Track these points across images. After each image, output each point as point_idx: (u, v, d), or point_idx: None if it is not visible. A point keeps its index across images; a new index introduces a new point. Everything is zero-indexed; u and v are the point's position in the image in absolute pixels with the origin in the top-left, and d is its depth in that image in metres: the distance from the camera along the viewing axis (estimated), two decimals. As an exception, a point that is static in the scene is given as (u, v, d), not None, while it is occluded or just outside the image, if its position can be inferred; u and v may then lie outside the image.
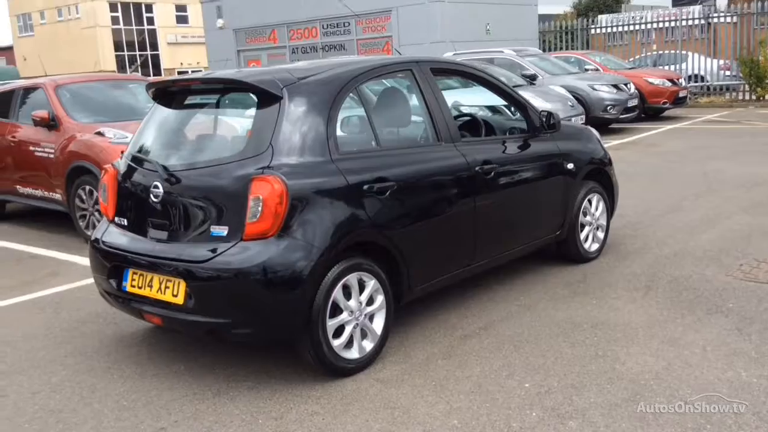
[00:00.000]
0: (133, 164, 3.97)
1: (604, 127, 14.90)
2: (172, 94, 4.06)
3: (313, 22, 21.02)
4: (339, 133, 3.80)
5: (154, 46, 53.70)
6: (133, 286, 3.78)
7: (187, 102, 4.01)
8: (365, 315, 3.74)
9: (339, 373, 3.66)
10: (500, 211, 4.63)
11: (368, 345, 3.80)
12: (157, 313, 3.68)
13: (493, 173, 4.48)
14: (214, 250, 3.47)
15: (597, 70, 17.03)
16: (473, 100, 6.56)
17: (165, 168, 3.75)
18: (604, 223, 5.65)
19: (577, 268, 5.37)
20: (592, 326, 4.21)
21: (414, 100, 4.40)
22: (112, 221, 4.09)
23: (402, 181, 3.90)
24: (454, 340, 4.12)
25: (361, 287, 3.74)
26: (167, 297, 3.60)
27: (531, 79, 14.20)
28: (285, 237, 3.42)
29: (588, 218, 5.46)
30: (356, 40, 20.36)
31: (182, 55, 53.93)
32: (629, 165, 10.30)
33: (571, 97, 13.15)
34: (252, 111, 3.70)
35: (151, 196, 3.76)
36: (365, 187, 3.70)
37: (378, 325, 3.84)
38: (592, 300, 4.67)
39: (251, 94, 3.71)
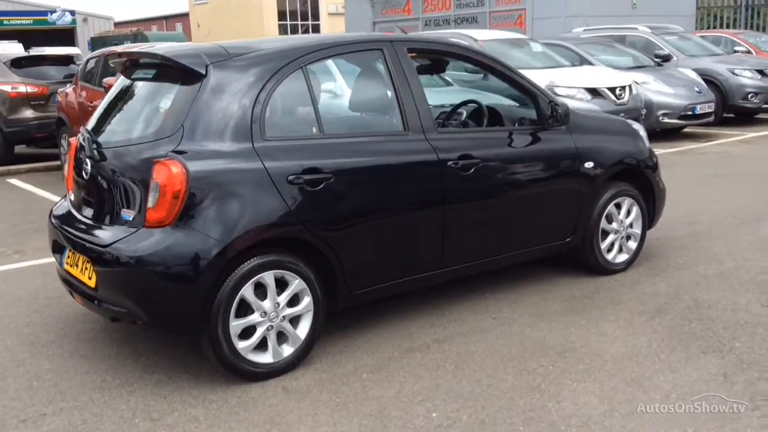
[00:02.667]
0: (82, 138, 3.91)
1: (747, 116, 13.41)
2: (126, 67, 3.94)
3: (448, -6, 20.50)
4: (272, 116, 3.50)
5: (316, 16, 55.02)
6: (68, 264, 3.73)
7: (133, 76, 3.88)
8: (284, 317, 3.46)
9: (245, 376, 3.42)
10: (482, 212, 4.15)
11: (287, 350, 3.52)
12: (80, 293, 3.61)
13: (473, 169, 3.99)
14: (117, 235, 3.33)
15: (749, 52, 15.30)
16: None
17: (96, 144, 3.65)
18: (638, 231, 4.94)
19: (595, 280, 4.74)
20: (560, 353, 3.67)
21: (382, 84, 4.00)
22: (65, 196, 4.07)
23: (342, 174, 3.55)
24: (396, 352, 3.75)
25: (284, 286, 3.46)
26: (85, 279, 3.52)
27: (664, 59, 12.98)
28: (183, 227, 3.21)
29: (614, 225, 4.80)
30: (489, 12, 19.58)
31: (342, 25, 54.91)
32: (744, 163, 9.16)
33: (701, 82, 11.86)
34: (176, 88, 3.49)
35: (83, 172, 3.68)
36: (291, 177, 3.40)
37: (303, 329, 3.54)
38: (582, 321, 4.08)
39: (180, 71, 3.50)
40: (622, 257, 4.91)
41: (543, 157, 4.40)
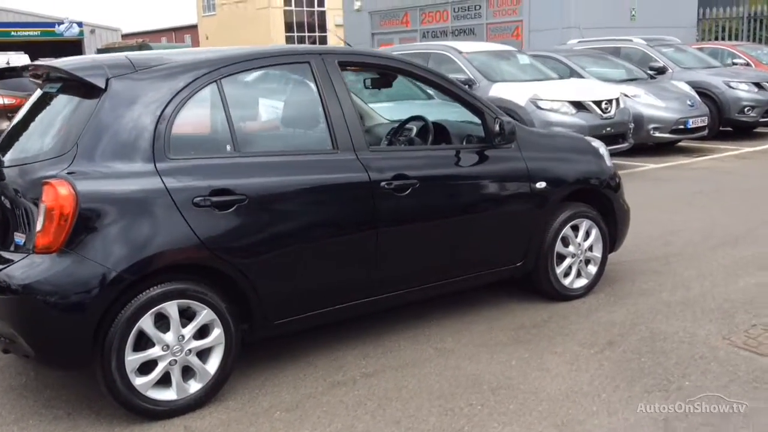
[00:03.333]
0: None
1: (743, 131, 13.08)
2: (41, 80, 3.70)
3: (445, 5, 20.29)
4: (179, 134, 3.25)
5: (323, 27, 55.07)
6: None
7: (44, 90, 3.64)
8: (190, 350, 3.20)
9: (144, 414, 3.16)
10: (421, 236, 3.88)
11: (194, 386, 3.26)
12: None
13: (409, 190, 3.73)
14: (6, 260, 3.09)
15: (748, 65, 14.97)
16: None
17: (0, 162, 3.42)
18: (599, 255, 4.66)
19: (549, 307, 4.46)
20: (494, 389, 3.39)
21: (309, 99, 3.75)
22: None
23: (258, 195, 3.30)
24: (319, 387, 3.48)
25: (191, 317, 3.21)
26: (-15, 305, 3.27)
27: (658, 72, 12.69)
28: (71, 253, 2.96)
29: (571, 249, 4.52)
30: (486, 24, 19.37)
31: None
32: (733, 180, 8.84)
33: (694, 95, 11.54)
34: (76, 103, 3.26)
35: None
36: (197, 199, 3.15)
37: (213, 363, 3.29)
38: (526, 353, 3.80)
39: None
40: (581, 282, 4.62)
41: (489, 177, 4.13)
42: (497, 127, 4.06)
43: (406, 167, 3.79)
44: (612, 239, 4.75)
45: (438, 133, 4.37)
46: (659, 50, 13.59)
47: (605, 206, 4.67)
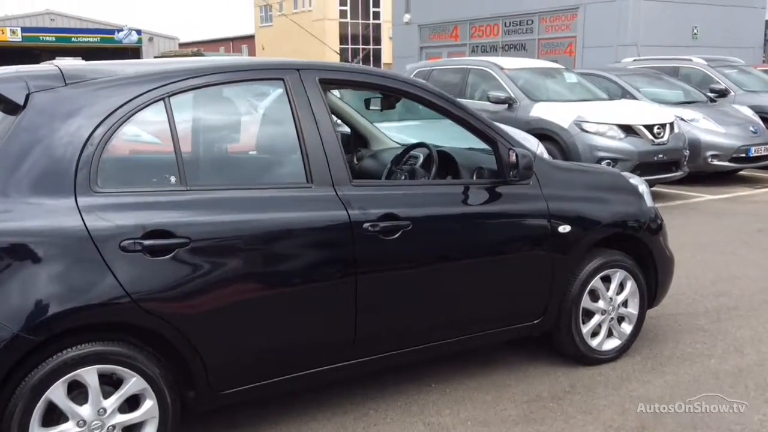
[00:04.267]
0: None
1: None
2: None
3: (496, 19, 19.59)
4: (110, 161, 2.69)
5: (377, 40, 54.87)
6: None
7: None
8: (113, 427, 2.63)
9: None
10: (412, 288, 3.25)
11: (119, 471, 2.68)
12: None
13: (399, 233, 3.11)
14: None
15: (820, 87, 13.87)
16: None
17: None
18: (634, 311, 3.94)
19: (573, 372, 3.76)
20: (487, 489, 2.73)
21: (280, 122, 3.17)
22: None
23: (203, 238, 2.72)
24: (275, 473, 2.87)
25: (117, 385, 2.64)
26: None
27: (719, 95, 11.78)
28: None
29: (600, 304, 3.82)
30: (538, 39, 18.61)
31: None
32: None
33: (758, 121, 10.59)
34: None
35: None
36: (126, 242, 2.58)
37: (145, 440, 2.71)
38: (534, 437, 3.13)
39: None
40: (612, 343, 3.91)
41: (500, 218, 3.48)
42: (512, 160, 3.41)
43: (396, 205, 3.17)
44: (651, 293, 4.02)
45: (444, 163, 3.74)
46: (721, 71, 12.66)
47: (644, 254, 3.96)
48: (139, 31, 46.47)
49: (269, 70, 3.11)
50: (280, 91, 3.07)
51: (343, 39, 54.46)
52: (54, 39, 41.85)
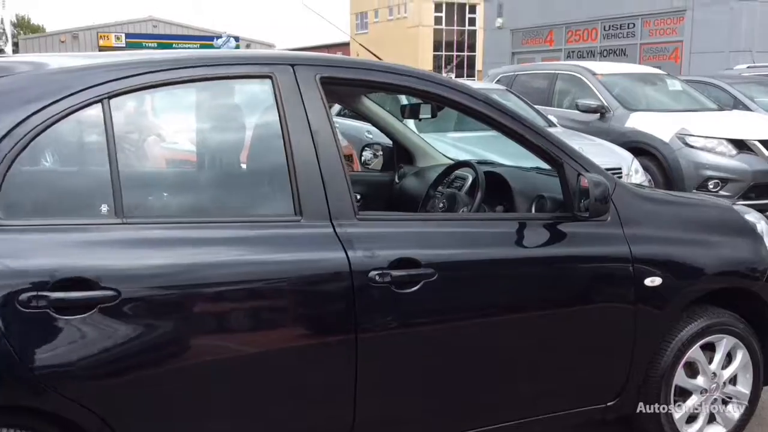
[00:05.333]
0: None
1: None
2: None
3: (594, 23, 18.34)
4: (19, 185, 2.00)
5: (472, 47, 53.72)
6: None
7: None
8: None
9: None
10: (435, 360, 2.43)
11: None
12: None
13: (420, 284, 2.30)
14: None
15: None
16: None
17: None
18: (746, 390, 2.96)
19: (660, 470, 2.83)
20: None
21: (263, 136, 2.41)
22: None
23: (134, 290, 1.99)
24: None
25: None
26: None
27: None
28: None
29: (700, 381, 2.87)
30: (640, 44, 17.24)
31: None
32: None
33: None
34: None
35: None
36: (25, 296, 1.88)
37: None
38: None
39: None
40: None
41: (563, 266, 2.59)
42: (582, 189, 2.53)
43: (417, 246, 2.35)
44: (770, 366, 3.04)
45: (494, 189, 2.90)
46: None
47: (760, 314, 2.98)
48: (237, 38, 47.21)
49: (251, 65, 2.34)
50: (267, 92, 2.31)
51: (437, 46, 53.74)
52: (156, 45, 43.09)
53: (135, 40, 42.84)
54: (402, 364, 2.36)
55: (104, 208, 2.06)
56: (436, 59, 53.35)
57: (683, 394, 2.88)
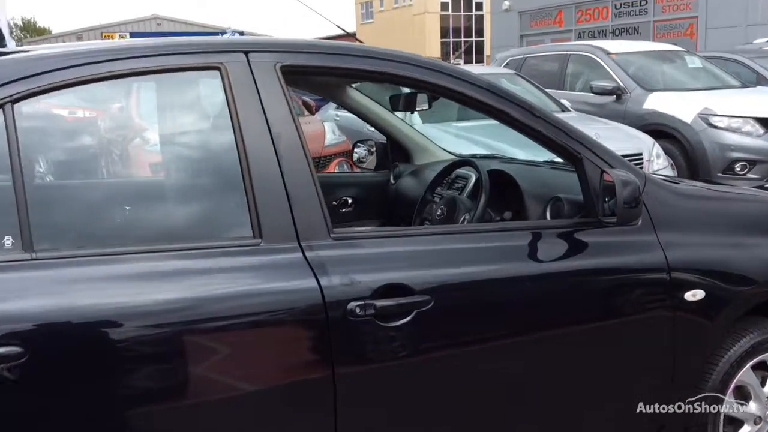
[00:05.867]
0: None
1: None
2: None
3: (604, 2, 17.72)
4: None
5: (479, 32, 52.94)
6: None
7: None
8: None
9: None
10: (433, 406, 2.00)
11: None
12: None
13: (412, 315, 1.87)
14: None
15: None
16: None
17: None
18: (812, 419, 2.52)
19: None
20: None
21: (211, 142, 1.99)
22: None
23: (45, 340, 1.58)
24: None
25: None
26: None
27: None
28: None
29: (753, 407, 2.43)
30: (653, 21, 16.61)
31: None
32: None
33: None
34: None
35: None
36: None
37: None
38: None
39: None
40: (772, 467, 2.51)
41: (585, 283, 2.16)
42: (607, 187, 2.09)
43: (408, 268, 1.93)
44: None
45: (501, 191, 2.46)
46: None
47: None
48: (241, 33, 46.81)
49: (194, 55, 1.90)
50: (215, 86, 1.88)
51: (444, 32, 53.06)
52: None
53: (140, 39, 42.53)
54: (391, 415, 1.94)
55: (7, 241, 1.64)
56: (444, 46, 52.71)
57: (733, 423, 2.44)
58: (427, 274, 1.93)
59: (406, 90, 2.95)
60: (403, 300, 1.87)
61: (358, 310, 1.81)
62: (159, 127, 2.13)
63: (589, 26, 18.39)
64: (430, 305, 1.89)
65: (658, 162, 6.22)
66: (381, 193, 3.36)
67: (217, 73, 1.87)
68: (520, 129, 2.18)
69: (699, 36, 15.59)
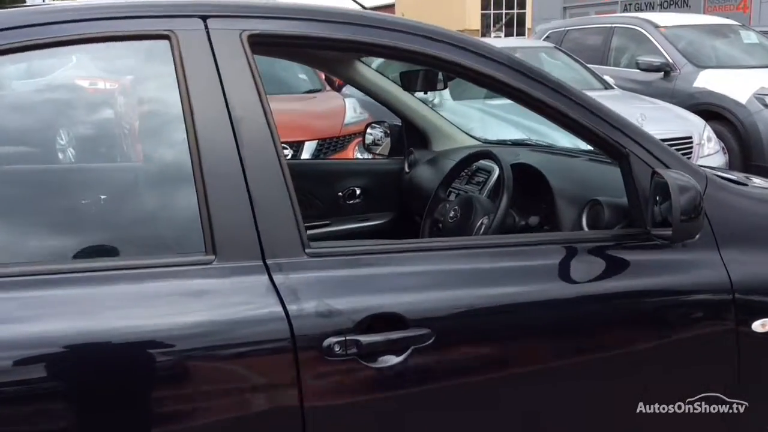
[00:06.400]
0: None
1: None
2: None
3: (653, -29, 16.94)
4: None
5: (521, 4, 51.62)
6: None
7: None
8: None
9: None
10: None
11: None
12: None
13: (407, 354, 1.47)
14: None
15: None
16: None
17: None
18: None
19: None
20: None
21: (161, 125, 1.60)
22: None
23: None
24: None
25: None
26: None
27: None
28: None
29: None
30: (705, -8, 15.83)
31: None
32: None
33: None
34: None
35: None
36: None
37: None
38: None
39: None
40: None
41: (631, 310, 1.73)
42: (659, 191, 1.67)
43: (401, 292, 1.53)
44: None
45: (528, 189, 2.03)
46: None
47: None
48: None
49: (137, 19, 1.50)
50: (163, 59, 1.49)
51: (485, 4, 51.78)
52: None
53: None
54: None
55: None
56: (484, 18, 51.51)
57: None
58: (426, 301, 1.53)
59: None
60: (395, 335, 1.48)
61: (337, 348, 1.43)
62: (94, 117, 1.72)
63: (635, -2, 17.58)
64: (431, 341, 1.49)
65: (708, 146, 5.72)
66: (393, 183, 2.97)
67: (165, 43, 1.48)
68: (546, 113, 1.75)
69: (753, 10, 14.75)
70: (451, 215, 2.15)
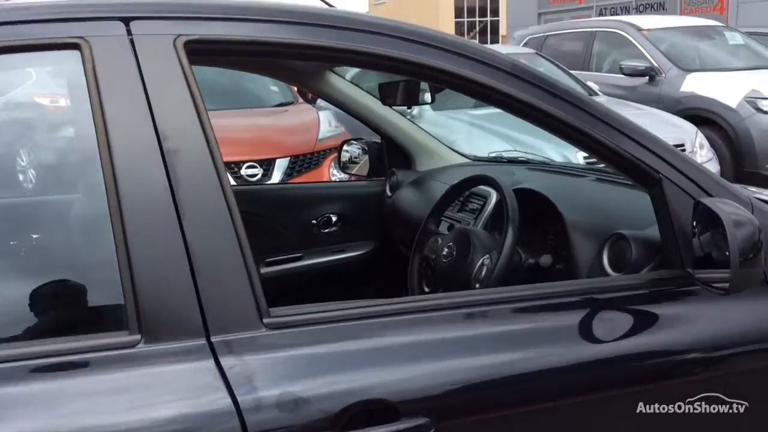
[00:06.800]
0: None
1: None
2: None
3: (628, -23, 16.84)
4: None
5: (495, 11, 51.72)
6: None
7: None
8: None
9: None
10: None
11: None
12: None
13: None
14: None
15: None
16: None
17: None
18: None
19: None
20: None
21: (65, 159, 1.26)
22: None
23: None
24: None
25: None
26: None
27: None
28: None
29: None
30: (680, -4, 15.74)
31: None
32: None
33: None
34: None
35: None
36: None
37: None
38: None
39: None
40: None
41: (671, 375, 1.40)
42: (700, 222, 1.35)
43: (388, 371, 1.18)
44: None
45: (535, 220, 1.70)
46: None
47: None
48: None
49: (41, 23, 1.14)
50: (72, 75, 1.14)
51: (459, 12, 51.80)
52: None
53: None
54: None
55: None
56: (458, 26, 51.51)
57: None
58: (421, 381, 1.18)
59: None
60: (384, 429, 1.13)
61: (306, 447, 1.08)
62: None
63: (611, 2, 17.46)
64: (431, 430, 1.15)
65: (701, 153, 5.48)
66: (374, 208, 2.62)
67: (75, 54, 1.13)
68: (558, 132, 1.41)
69: (730, 10, 14.66)
70: (444, 253, 1.80)
